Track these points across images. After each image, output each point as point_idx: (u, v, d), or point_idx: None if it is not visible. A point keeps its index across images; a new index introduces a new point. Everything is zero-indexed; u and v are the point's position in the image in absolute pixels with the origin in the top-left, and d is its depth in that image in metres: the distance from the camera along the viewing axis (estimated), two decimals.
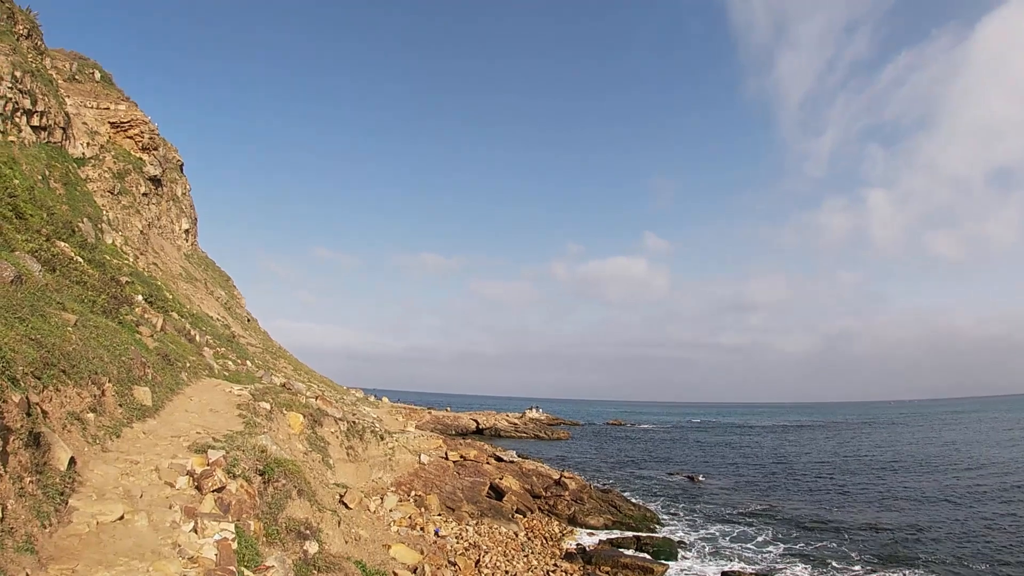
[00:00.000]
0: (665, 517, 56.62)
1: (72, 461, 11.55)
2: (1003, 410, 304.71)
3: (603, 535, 49.59)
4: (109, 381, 16.72)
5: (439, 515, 45.70)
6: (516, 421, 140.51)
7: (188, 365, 31.88)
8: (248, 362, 52.66)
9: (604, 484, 67.72)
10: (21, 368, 11.76)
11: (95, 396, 15.41)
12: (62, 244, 34.92)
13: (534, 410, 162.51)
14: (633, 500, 60.09)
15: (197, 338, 44.97)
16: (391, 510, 40.61)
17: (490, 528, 45.50)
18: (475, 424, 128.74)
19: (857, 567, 44.52)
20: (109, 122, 75.43)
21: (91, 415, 14.72)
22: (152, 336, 30.52)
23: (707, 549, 48.29)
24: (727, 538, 51.40)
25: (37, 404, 11.56)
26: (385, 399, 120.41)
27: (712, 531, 53.14)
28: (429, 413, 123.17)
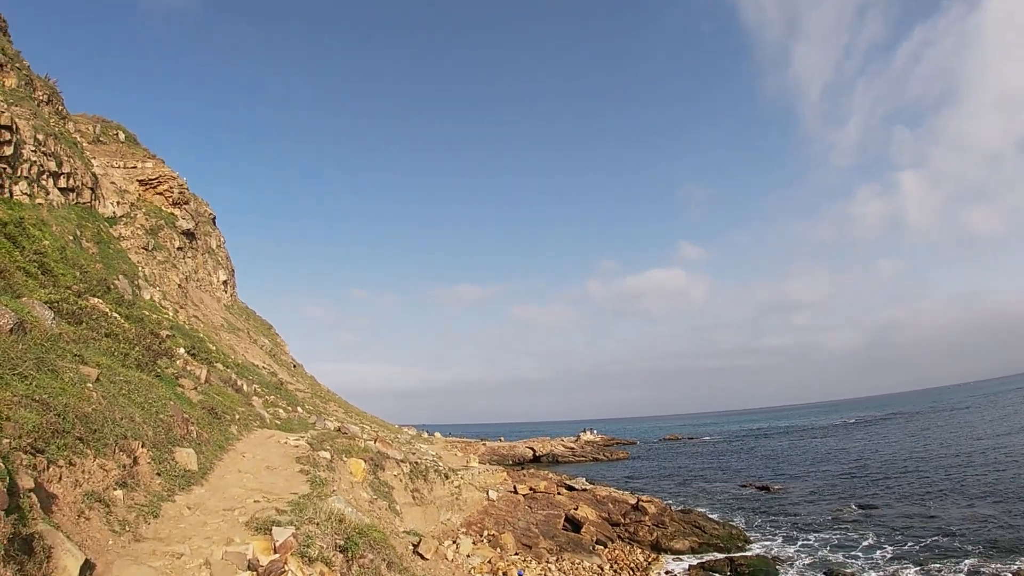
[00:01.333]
0: (752, 533, 52.22)
1: (88, 566, 8.11)
2: None
3: (691, 560, 45.44)
4: (143, 445, 13.52)
5: (516, 554, 41.97)
6: (572, 445, 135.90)
7: (237, 417, 28.63)
8: (299, 408, 49.57)
9: (676, 503, 63.33)
10: (12, 440, 8.41)
11: (124, 467, 12.18)
12: (95, 300, 32.14)
13: (588, 432, 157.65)
14: (715, 518, 55.67)
15: (244, 388, 41.86)
16: (468, 555, 36.90)
17: (572, 564, 41.67)
18: (532, 452, 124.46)
19: (972, 560, 40.72)
20: (138, 180, 73.80)
21: (119, 492, 11.44)
22: (196, 389, 27.39)
23: (806, 561, 44.17)
24: (826, 547, 47.09)
25: (34, 488, 8.13)
26: (437, 434, 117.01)
27: (808, 542, 48.81)
28: (484, 445, 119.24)
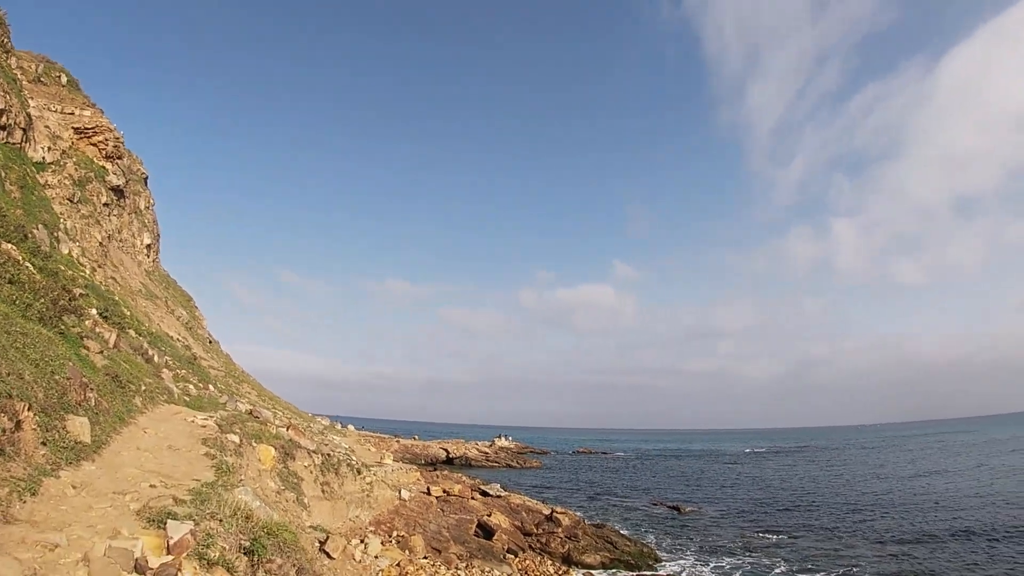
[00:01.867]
0: (663, 552, 51.77)
1: None
2: (962, 431, 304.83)
3: (602, 574, 44.73)
4: (29, 408, 11.68)
5: (425, 558, 40.43)
6: (487, 450, 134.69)
7: (143, 389, 26.50)
8: (211, 386, 47.05)
9: (587, 517, 62.43)
10: None
11: (3, 431, 10.33)
12: (8, 245, 29.69)
13: (503, 438, 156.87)
14: (627, 535, 54.98)
15: (156, 358, 39.44)
16: (376, 556, 35.19)
17: (482, 572, 40.35)
18: (445, 453, 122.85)
19: None
20: (73, 127, 69.89)
21: None
22: (102, 353, 25.26)
23: None
24: (737, 572, 47.00)
25: None
26: (351, 427, 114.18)
27: (719, 565, 48.61)
28: (398, 442, 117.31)
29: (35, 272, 29.96)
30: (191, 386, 39.91)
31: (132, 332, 43.92)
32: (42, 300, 21.40)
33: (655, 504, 77.80)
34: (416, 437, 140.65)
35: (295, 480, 35.47)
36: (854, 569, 46.90)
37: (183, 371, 44.71)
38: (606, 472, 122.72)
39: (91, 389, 17.45)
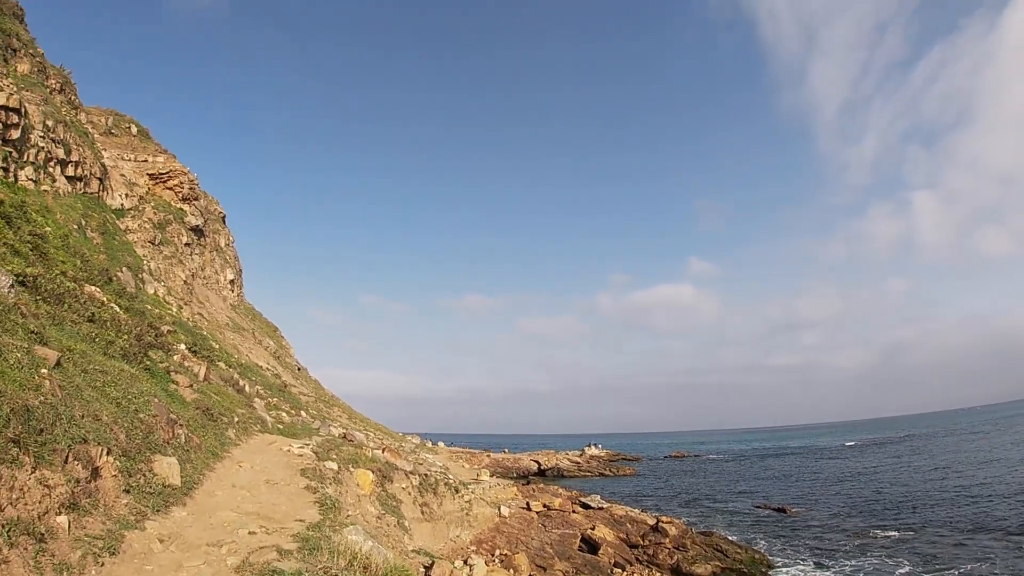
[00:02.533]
0: (775, 558, 48.52)
1: None
2: None
3: None
4: (108, 452, 10.28)
5: None
6: (578, 460, 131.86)
7: (236, 420, 25.39)
8: (302, 412, 46.30)
9: (687, 524, 59.38)
10: None
11: (77, 481, 8.88)
12: (92, 288, 29.03)
13: (593, 447, 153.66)
14: (736, 541, 51.95)
15: (247, 388, 38.68)
16: None
17: None
18: (536, 465, 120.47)
19: None
20: (148, 174, 71.33)
21: (63, 518, 8.14)
22: (192, 387, 24.20)
23: None
24: (861, 574, 43.61)
25: None
26: (441, 444, 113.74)
27: (838, 569, 45.16)
28: (488, 456, 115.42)
29: (120, 312, 29.28)
30: (283, 413, 39.08)
31: (222, 364, 43.46)
32: (125, 337, 20.36)
33: (758, 507, 74.03)
34: (506, 451, 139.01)
35: (394, 503, 34.12)
36: (983, 565, 42.96)
37: (274, 399, 44.02)
38: (701, 476, 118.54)
39: (180, 425, 16.21)
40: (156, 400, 14.72)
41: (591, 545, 44.76)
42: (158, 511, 11.17)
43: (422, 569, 28.89)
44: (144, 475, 11.64)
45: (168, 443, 14.08)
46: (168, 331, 37.56)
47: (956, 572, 41.90)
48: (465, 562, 36.61)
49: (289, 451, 23.49)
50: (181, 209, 73.80)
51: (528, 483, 74.29)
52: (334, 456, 27.87)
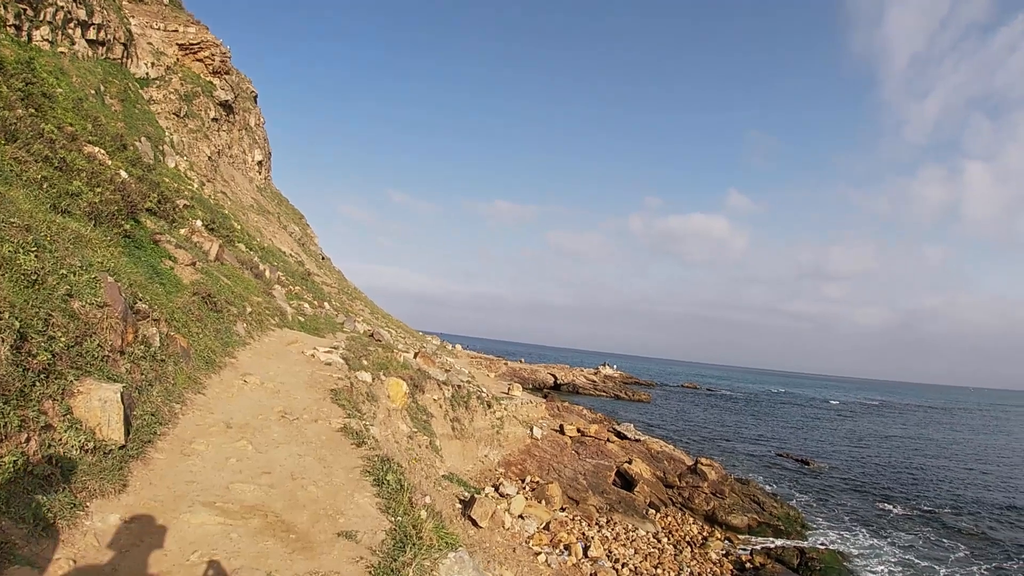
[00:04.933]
0: (810, 518, 43.61)
1: None
2: None
3: (752, 541, 37.20)
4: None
5: (563, 509, 33.91)
6: (593, 378, 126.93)
7: (249, 311, 19.84)
8: (325, 304, 41.02)
9: (695, 457, 54.03)
10: None
11: None
12: (95, 148, 23.35)
13: (608, 367, 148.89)
14: (772, 494, 47.09)
15: (267, 274, 33.21)
16: (522, 517, 28.54)
17: (625, 530, 33.67)
18: (553, 379, 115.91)
19: None
20: (177, 43, 64.65)
21: None
22: (195, 266, 18.66)
23: (885, 568, 35.59)
24: (905, 552, 38.43)
25: None
26: (459, 347, 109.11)
27: (876, 542, 40.03)
28: (505, 364, 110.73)
29: (127, 177, 23.78)
30: (306, 304, 33.70)
31: (242, 246, 38.19)
32: (102, 192, 14.59)
33: (781, 455, 69.16)
34: (522, 360, 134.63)
35: (424, 417, 29.18)
36: None
37: (296, 287, 38.71)
38: (716, 411, 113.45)
39: (155, 320, 10.68)
40: (111, 281, 9.02)
41: (626, 480, 40.00)
42: (56, 525, 5.65)
43: (458, 504, 24.00)
44: (62, 420, 6.18)
45: (123, 352, 8.58)
46: (185, 205, 32.23)
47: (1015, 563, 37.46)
48: (496, 489, 31.90)
49: (314, 356, 18.05)
50: (211, 82, 67.35)
51: (546, 396, 69.56)
52: (366, 363, 22.60)
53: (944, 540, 41.72)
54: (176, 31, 64.75)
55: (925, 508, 49.24)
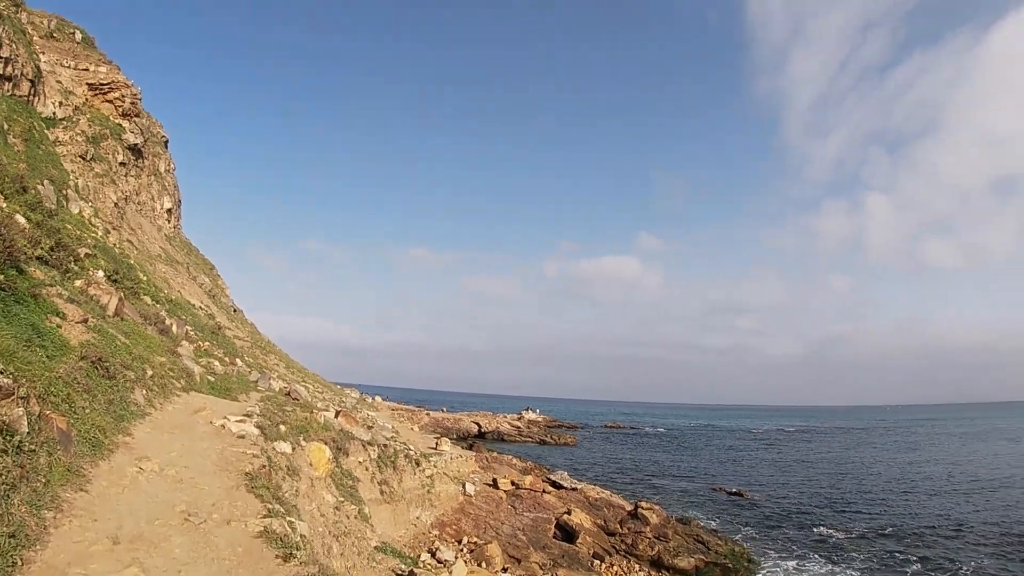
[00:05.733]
0: (755, 553, 42.50)
1: None
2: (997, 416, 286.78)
3: None
4: None
5: (505, 570, 31.60)
6: (518, 424, 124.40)
7: (150, 374, 17.12)
8: (238, 360, 37.67)
9: (627, 499, 52.54)
10: None
11: None
12: None
13: (531, 411, 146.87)
14: (716, 531, 45.78)
15: (174, 329, 30.13)
16: None
17: None
18: (477, 427, 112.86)
19: None
20: (87, 83, 61.07)
21: None
22: (88, 323, 16.02)
23: None
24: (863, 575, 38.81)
25: None
26: (379, 398, 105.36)
27: (836, 568, 39.87)
28: (427, 415, 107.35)
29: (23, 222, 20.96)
30: (216, 362, 30.59)
31: (148, 299, 35.03)
32: None
33: (714, 489, 68.38)
34: (444, 409, 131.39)
35: (351, 483, 26.61)
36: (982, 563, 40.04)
37: (206, 343, 35.53)
38: (643, 449, 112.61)
39: (20, 399, 8.26)
40: None
41: (567, 532, 37.93)
42: None
43: None
44: None
45: None
46: (86, 254, 29.20)
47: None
48: (433, 555, 29.38)
49: (224, 427, 15.44)
50: (120, 125, 63.63)
51: (472, 446, 67.00)
52: (284, 428, 20.06)
53: (896, 555, 42.34)
54: (87, 70, 61.19)
55: (865, 528, 49.84)
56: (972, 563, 40.02)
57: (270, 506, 10.25)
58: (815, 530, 48.96)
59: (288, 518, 10.15)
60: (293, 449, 17.75)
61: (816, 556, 42.14)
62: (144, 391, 15.68)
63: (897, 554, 42.30)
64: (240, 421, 16.31)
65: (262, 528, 9.03)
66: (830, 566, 39.98)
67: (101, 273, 28.26)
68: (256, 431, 16.06)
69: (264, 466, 12.90)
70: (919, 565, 40.14)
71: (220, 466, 11.97)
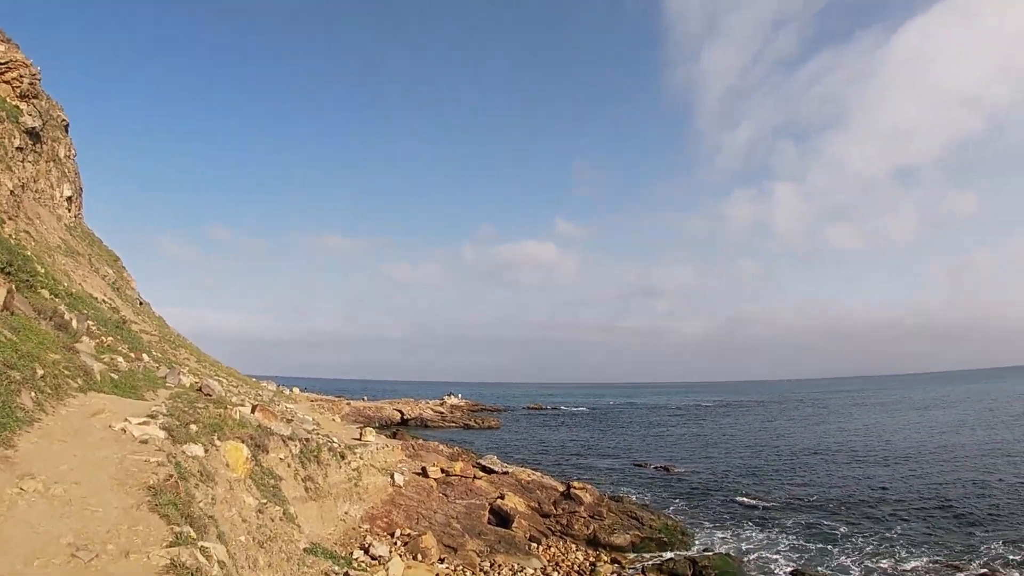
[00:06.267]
0: (689, 525, 42.49)
1: None
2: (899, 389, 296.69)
3: (640, 558, 35.31)
4: None
5: (441, 560, 30.37)
6: (441, 410, 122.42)
7: (40, 375, 15.04)
8: (144, 355, 34.90)
9: (559, 480, 51.85)
10: None
11: None
12: None
13: (453, 396, 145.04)
14: (649, 507, 45.49)
15: (74, 324, 27.55)
16: None
17: (512, 571, 30.77)
18: (399, 415, 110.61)
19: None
20: None
21: None
22: None
23: (771, 557, 36.10)
24: (799, 539, 39.43)
25: None
26: (296, 389, 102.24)
27: (756, 536, 40.25)
28: (348, 404, 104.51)
29: None
30: (120, 358, 28.11)
31: (45, 292, 32.32)
32: None
33: (639, 465, 68.58)
34: (365, 398, 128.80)
35: (273, 482, 24.77)
36: (903, 525, 41.67)
37: (109, 338, 32.87)
38: (568, 429, 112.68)
39: None
40: None
41: (501, 517, 36.89)
42: None
43: None
44: None
45: None
46: None
47: (873, 540, 38.90)
48: (366, 551, 27.92)
49: (125, 431, 13.53)
50: (17, 107, 58.72)
51: (395, 434, 65.21)
52: (195, 428, 18.20)
53: (824, 521, 43.01)
54: None
55: (790, 496, 50.78)
56: (898, 527, 40.96)
57: (178, 529, 8.50)
58: (743, 500, 49.55)
59: (202, 543, 8.49)
60: (206, 451, 15.98)
61: (748, 524, 42.70)
62: (33, 393, 13.71)
63: (824, 520, 43.10)
64: (143, 423, 14.39)
65: (168, 561, 7.30)
66: (763, 534, 40.38)
67: None
68: (162, 434, 14.19)
69: (171, 476, 11.02)
70: (847, 528, 41.02)
71: (119, 480, 10.10)
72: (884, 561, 34.90)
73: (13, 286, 23.83)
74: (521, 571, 30.99)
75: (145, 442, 13.07)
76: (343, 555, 25.94)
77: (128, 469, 10.77)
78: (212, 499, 13.81)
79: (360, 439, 42.30)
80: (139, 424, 14.22)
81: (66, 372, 17.52)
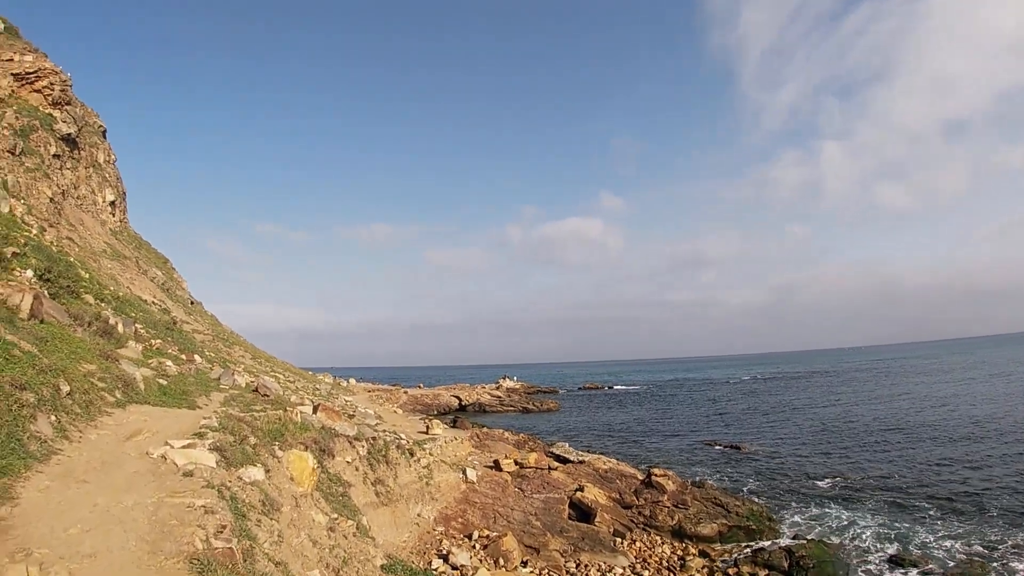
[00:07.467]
0: (772, 508, 38.97)
1: None
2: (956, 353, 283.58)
3: (730, 550, 32.05)
4: None
5: (525, 564, 27.58)
6: (498, 394, 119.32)
7: (66, 392, 12.36)
8: (196, 356, 32.51)
9: (636, 467, 48.39)
10: None
11: None
12: None
13: (508, 379, 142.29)
14: (732, 492, 42.03)
15: (120, 328, 25.16)
16: None
17: (600, 571, 27.80)
18: (457, 401, 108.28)
19: None
20: (12, 74, 54.65)
21: None
22: None
23: (866, 545, 32.57)
24: (885, 519, 35.93)
25: None
26: (353, 380, 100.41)
27: (846, 520, 36.65)
28: (405, 393, 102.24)
29: None
30: (169, 361, 25.51)
31: (89, 297, 29.98)
32: None
33: (708, 444, 64.99)
34: (421, 385, 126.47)
35: (342, 490, 22.14)
36: (1000, 502, 37.60)
37: (159, 341, 30.48)
38: (626, 408, 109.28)
39: None
40: None
41: (582, 510, 33.90)
42: None
43: None
44: None
45: None
46: (14, 254, 24.48)
47: (970, 522, 34.90)
48: (446, 559, 25.19)
49: (164, 458, 10.72)
50: (50, 115, 57.18)
51: (455, 421, 62.50)
52: (252, 439, 15.48)
53: (909, 502, 39.17)
54: (11, 60, 54.84)
55: (871, 475, 46.92)
56: (992, 508, 36.84)
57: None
58: (819, 479, 46.06)
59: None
60: (268, 472, 13.24)
61: (831, 505, 39.18)
62: (54, 417, 11.04)
63: (908, 500, 39.24)
64: (188, 446, 11.54)
65: None
66: (847, 516, 36.89)
67: (30, 272, 23.56)
68: (212, 458, 11.38)
69: (223, 528, 8.13)
70: (934, 510, 37.17)
71: (151, 544, 7.14)
72: (977, 544, 31.27)
73: (44, 291, 21.37)
74: (609, 571, 28.05)
75: (190, 474, 10.23)
76: (422, 567, 23.25)
77: (165, 523, 7.79)
78: (278, 536, 11.02)
79: (427, 432, 39.63)
80: (183, 448, 11.39)
81: (100, 385, 14.86)
